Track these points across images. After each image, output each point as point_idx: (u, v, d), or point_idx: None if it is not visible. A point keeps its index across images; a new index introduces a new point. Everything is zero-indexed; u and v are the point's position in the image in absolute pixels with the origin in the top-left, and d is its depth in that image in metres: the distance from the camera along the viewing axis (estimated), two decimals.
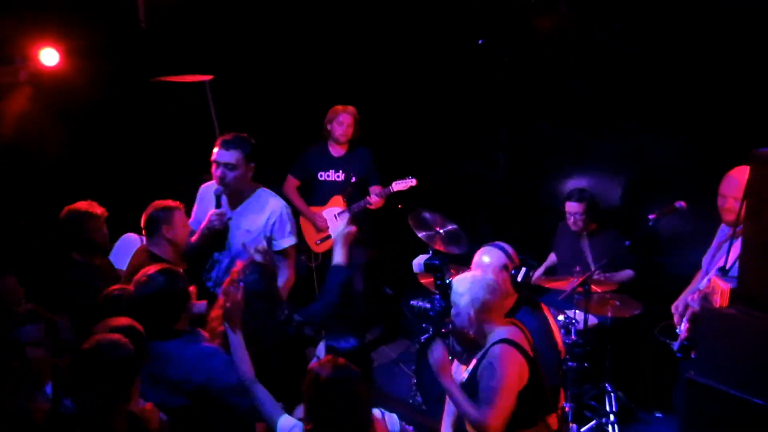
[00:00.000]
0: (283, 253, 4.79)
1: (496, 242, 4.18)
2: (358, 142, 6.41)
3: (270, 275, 3.90)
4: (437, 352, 3.63)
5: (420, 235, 6.06)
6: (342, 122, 6.26)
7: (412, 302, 4.04)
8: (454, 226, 6.02)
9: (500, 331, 3.63)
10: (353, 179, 6.35)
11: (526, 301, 4.12)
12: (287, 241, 4.78)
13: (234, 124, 5.98)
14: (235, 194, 4.75)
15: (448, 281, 3.74)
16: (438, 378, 3.64)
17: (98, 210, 4.84)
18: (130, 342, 3.24)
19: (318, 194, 6.46)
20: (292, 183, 6.49)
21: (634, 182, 6.27)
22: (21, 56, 5.49)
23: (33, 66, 5.58)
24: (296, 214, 6.29)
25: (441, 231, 6.01)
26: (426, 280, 5.69)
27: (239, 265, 3.86)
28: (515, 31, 6.39)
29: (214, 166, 4.67)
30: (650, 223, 5.00)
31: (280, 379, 3.69)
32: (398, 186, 6.13)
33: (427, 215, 6.09)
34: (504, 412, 3.52)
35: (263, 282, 3.80)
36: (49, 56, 5.55)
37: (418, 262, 3.90)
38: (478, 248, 4.22)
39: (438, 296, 3.74)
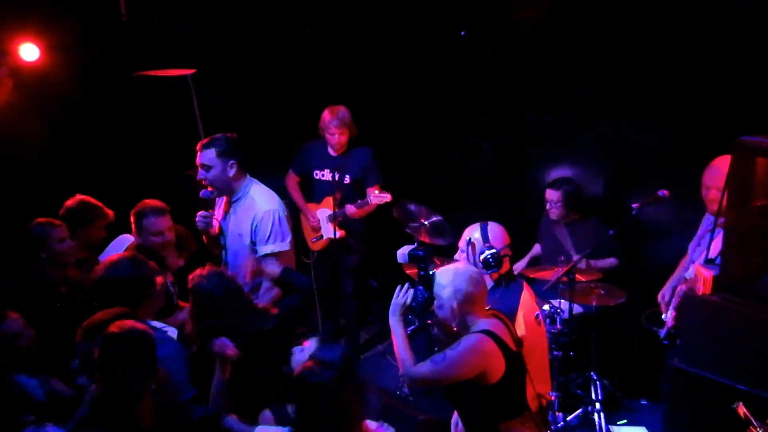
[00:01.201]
0: (265, 259, 4.65)
1: (489, 221, 4.28)
2: (358, 139, 6.31)
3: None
4: (405, 296, 3.71)
5: (405, 227, 6.06)
6: (333, 133, 6.13)
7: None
8: (439, 218, 5.98)
9: (482, 322, 3.65)
10: (346, 180, 6.26)
11: (504, 279, 4.21)
12: (267, 248, 4.64)
13: (218, 118, 6.07)
14: (225, 193, 4.75)
15: (431, 273, 3.76)
16: (390, 317, 3.73)
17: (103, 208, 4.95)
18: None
19: (314, 192, 6.43)
20: (292, 178, 6.45)
21: (617, 171, 6.29)
22: (1, 52, 5.47)
23: (13, 61, 5.54)
24: (296, 210, 6.38)
25: (426, 222, 5.97)
26: (411, 271, 5.69)
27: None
28: (497, 21, 6.39)
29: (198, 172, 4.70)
30: (633, 212, 5.03)
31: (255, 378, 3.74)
32: (376, 200, 6.02)
33: (412, 207, 6.04)
34: (434, 380, 3.61)
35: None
36: (29, 51, 5.51)
37: (403, 252, 3.94)
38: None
39: (421, 287, 3.75)
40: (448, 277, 3.66)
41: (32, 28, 5.53)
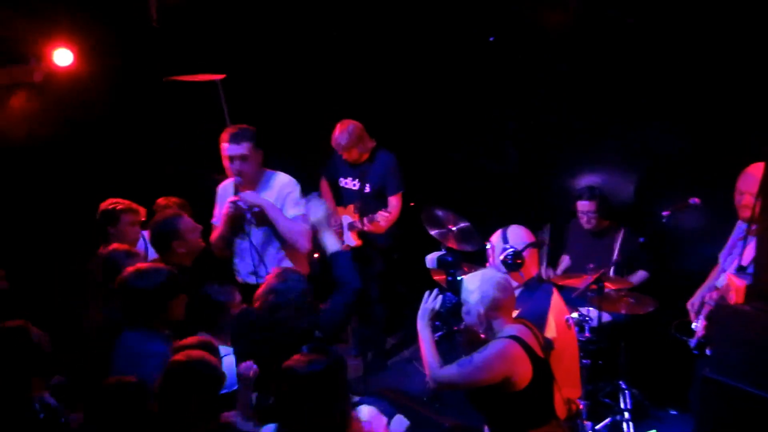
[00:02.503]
0: (296, 220, 4.88)
1: (515, 225, 4.30)
2: (384, 144, 6.31)
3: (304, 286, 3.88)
4: (434, 302, 3.74)
5: (432, 232, 6.03)
6: (340, 153, 6.18)
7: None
8: (467, 224, 5.99)
9: (509, 328, 3.66)
10: (367, 189, 6.26)
11: (533, 282, 4.20)
12: (295, 210, 4.87)
13: (247, 122, 6.06)
14: (252, 183, 4.88)
15: (459, 278, 3.77)
16: (418, 322, 3.75)
17: (136, 209, 5.00)
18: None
19: (342, 199, 6.47)
20: (324, 183, 6.53)
21: (646, 178, 6.25)
22: (35, 56, 5.56)
23: (47, 66, 5.64)
24: None
25: (453, 228, 5.97)
26: (439, 277, 5.68)
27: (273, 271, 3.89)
28: (526, 27, 6.38)
29: (227, 161, 4.77)
30: (664, 220, 5.00)
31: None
32: (380, 218, 6.03)
33: (439, 212, 6.05)
34: (459, 383, 3.62)
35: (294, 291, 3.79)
36: (62, 56, 5.59)
37: (431, 258, 3.94)
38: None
39: (449, 293, 3.76)
40: (475, 283, 3.67)
41: (65, 33, 5.62)
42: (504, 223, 4.48)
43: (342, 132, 6.09)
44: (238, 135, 4.71)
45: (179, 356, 3.28)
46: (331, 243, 4.14)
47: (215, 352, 3.56)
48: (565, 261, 6.30)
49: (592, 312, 5.31)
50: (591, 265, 5.39)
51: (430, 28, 6.79)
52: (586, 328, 5.29)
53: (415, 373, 6.38)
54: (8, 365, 3.57)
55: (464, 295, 3.69)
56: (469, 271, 4.03)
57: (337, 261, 4.07)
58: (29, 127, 5.76)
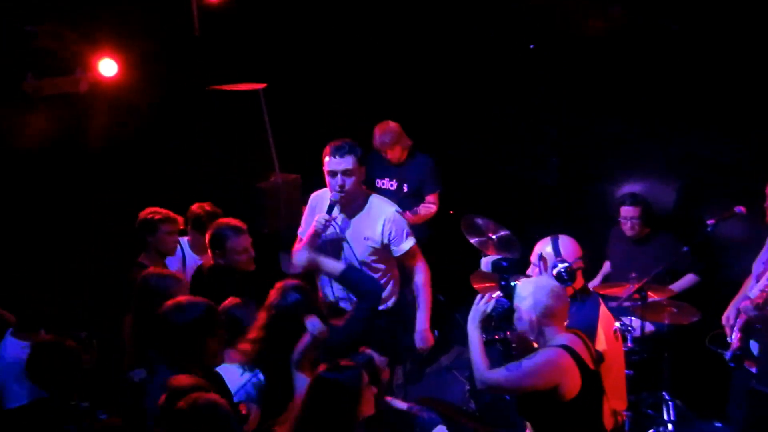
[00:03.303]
0: (407, 255, 4.79)
1: (562, 235, 4.22)
2: (422, 147, 6.38)
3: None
4: (486, 305, 3.71)
5: (472, 241, 6.07)
6: (383, 151, 6.26)
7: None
8: (507, 232, 6.02)
9: (561, 337, 3.63)
10: (405, 189, 6.31)
11: (580, 294, 4.14)
12: (407, 244, 4.76)
13: (288, 132, 6.21)
14: (350, 201, 4.70)
15: (513, 284, 3.76)
16: (469, 324, 3.72)
17: (175, 221, 5.06)
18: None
19: None
20: None
21: (689, 185, 6.21)
22: (81, 67, 5.63)
23: (92, 76, 5.70)
24: None
25: (493, 237, 6.02)
26: (479, 286, 5.66)
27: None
28: (567, 33, 6.36)
29: (328, 177, 4.60)
30: (709, 229, 4.94)
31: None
32: (423, 210, 6.07)
33: (479, 221, 6.10)
34: (506, 387, 3.64)
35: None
36: (107, 66, 5.67)
37: (487, 261, 3.94)
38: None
39: (502, 298, 3.76)
40: (528, 290, 3.66)
41: (110, 44, 5.69)
42: (543, 231, 4.45)
43: (385, 131, 6.22)
44: (342, 148, 4.54)
45: (182, 404, 3.04)
46: (332, 266, 4.17)
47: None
48: (605, 267, 6.24)
49: (635, 322, 5.28)
50: (633, 274, 5.32)
51: (471, 36, 6.81)
52: (629, 338, 5.26)
53: (454, 381, 6.37)
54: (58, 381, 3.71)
55: (517, 301, 3.68)
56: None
57: (350, 275, 4.10)
58: (75, 137, 5.89)
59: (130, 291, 4.34)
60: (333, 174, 4.56)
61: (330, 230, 4.70)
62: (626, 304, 5.11)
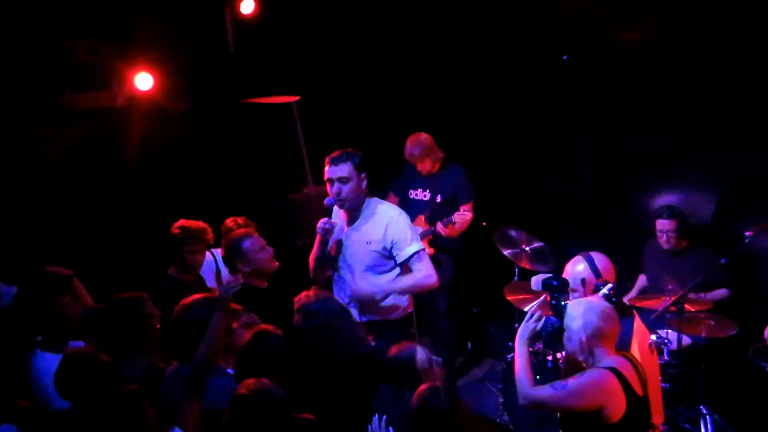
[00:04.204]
0: (412, 260, 4.73)
1: (591, 253, 4.16)
2: (454, 157, 6.38)
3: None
4: (537, 324, 3.70)
5: (506, 252, 6.07)
6: (414, 163, 6.25)
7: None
8: (540, 244, 6.02)
9: (610, 359, 3.61)
10: (438, 199, 6.30)
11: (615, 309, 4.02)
12: (411, 248, 4.71)
13: (321, 144, 6.12)
14: (352, 208, 4.76)
15: (563, 303, 3.75)
16: (517, 339, 3.71)
17: (205, 235, 5.08)
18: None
19: (410, 211, 6.26)
20: (391, 198, 6.51)
21: (726, 197, 6.14)
22: (118, 81, 5.70)
23: (129, 90, 5.70)
24: None
25: (527, 248, 6.03)
26: (513, 298, 5.64)
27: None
28: (601, 44, 6.31)
29: (328, 185, 4.71)
30: (746, 240, 4.87)
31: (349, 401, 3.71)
32: (458, 218, 5.96)
33: (512, 232, 6.10)
34: (550, 405, 3.59)
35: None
36: (143, 80, 5.74)
37: (537, 279, 3.91)
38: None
39: (552, 317, 3.74)
40: (579, 310, 3.65)
41: (146, 59, 5.75)
42: (577, 243, 4.49)
43: (415, 143, 6.21)
44: (339, 156, 4.66)
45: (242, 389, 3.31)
46: None
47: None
48: (640, 281, 6.18)
49: (672, 334, 5.24)
50: (670, 286, 5.29)
51: (503, 47, 6.81)
52: (665, 351, 5.21)
53: (487, 393, 6.34)
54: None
55: (567, 321, 3.66)
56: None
57: None
58: (111, 150, 5.95)
59: (159, 301, 4.37)
60: (330, 182, 4.67)
61: (335, 235, 4.78)
62: (668, 315, 5.08)
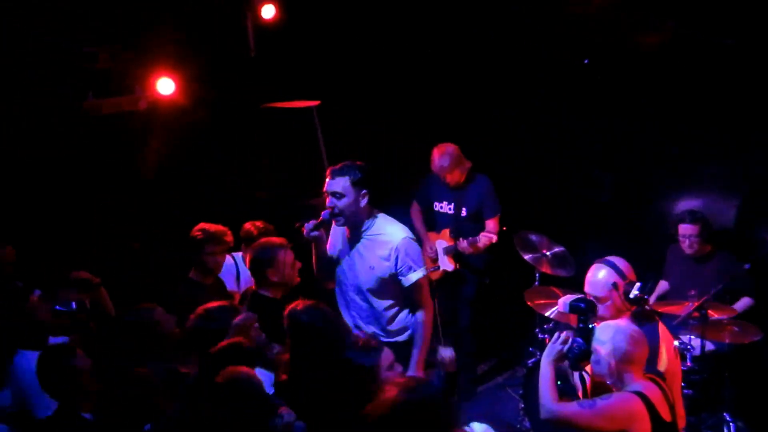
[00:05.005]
0: (413, 287, 4.54)
1: (608, 258, 4.08)
2: (478, 168, 6.26)
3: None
4: (564, 346, 3.68)
5: (526, 257, 6.03)
6: (441, 176, 6.13)
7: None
8: (561, 248, 5.97)
9: (638, 384, 3.60)
10: (463, 213, 6.22)
11: (637, 315, 4.01)
12: (414, 275, 4.50)
13: (342, 150, 6.11)
14: (349, 225, 4.54)
15: (591, 326, 3.72)
16: (543, 359, 3.70)
17: (225, 237, 5.05)
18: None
19: (435, 223, 6.42)
20: (415, 208, 6.47)
21: (749, 201, 6.10)
22: (140, 86, 5.75)
23: (151, 95, 5.80)
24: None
25: (548, 253, 5.97)
26: (533, 303, 5.60)
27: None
28: (621, 49, 6.29)
29: (327, 199, 4.51)
30: None
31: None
32: (483, 240, 5.87)
33: (533, 237, 6.05)
34: (574, 422, 3.54)
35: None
36: (165, 85, 5.77)
37: (564, 301, 3.88)
38: (586, 271, 4.14)
39: (579, 339, 3.69)
40: (608, 334, 3.62)
41: (168, 64, 5.80)
42: (597, 249, 4.38)
43: (443, 155, 6.08)
44: (337, 170, 4.43)
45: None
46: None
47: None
48: (662, 286, 6.13)
49: (695, 341, 5.18)
50: (692, 292, 5.24)
51: (524, 52, 6.78)
52: (688, 357, 5.16)
53: (508, 399, 6.30)
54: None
55: (596, 345, 3.65)
56: (562, 296, 3.95)
57: None
58: (134, 154, 6.02)
59: (179, 306, 4.40)
60: (327, 195, 4.49)
61: (334, 242, 4.66)
62: (691, 321, 5.04)
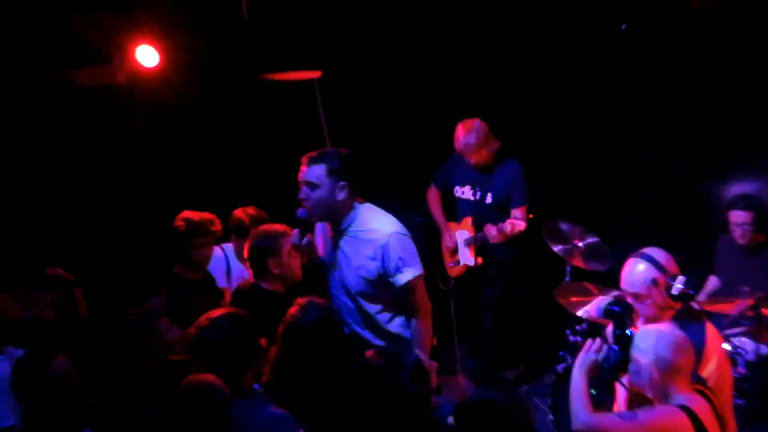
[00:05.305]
0: (404, 288, 4.40)
1: (645, 250, 3.99)
2: (507, 150, 6.15)
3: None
4: (598, 355, 3.67)
5: (555, 249, 5.94)
6: (466, 154, 6.00)
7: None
8: (596, 239, 5.88)
9: (683, 397, 3.54)
10: (488, 200, 6.13)
11: (682, 315, 3.95)
12: (404, 276, 4.35)
13: (346, 126, 6.17)
14: (333, 222, 4.46)
15: (629, 332, 3.67)
16: (576, 369, 3.69)
17: (212, 227, 5.00)
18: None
19: (456, 211, 6.34)
20: (433, 193, 6.40)
21: None
22: (119, 56, 5.71)
23: (131, 66, 5.76)
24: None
25: (580, 244, 5.88)
26: (565, 301, 5.50)
27: None
28: (673, 17, 6.26)
29: (301, 189, 4.41)
30: None
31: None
32: (510, 228, 5.80)
33: (564, 226, 5.96)
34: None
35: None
36: (147, 55, 5.70)
37: (596, 306, 3.93)
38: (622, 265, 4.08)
39: (616, 347, 3.66)
40: (649, 342, 3.58)
41: (150, 31, 5.77)
42: (636, 239, 4.31)
43: (469, 132, 5.96)
44: (313, 156, 4.32)
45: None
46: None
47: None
48: (711, 282, 6.07)
49: (748, 344, 5.12)
50: (746, 288, 5.13)
51: (554, 26, 6.70)
52: (740, 362, 5.09)
53: (536, 410, 6.19)
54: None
55: (636, 353, 3.60)
56: (598, 294, 4.02)
57: None
58: (111, 132, 5.97)
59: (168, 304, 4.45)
60: (302, 184, 4.38)
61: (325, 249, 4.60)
62: (743, 321, 5.05)
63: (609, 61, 6.63)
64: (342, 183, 4.30)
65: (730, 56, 6.09)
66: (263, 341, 3.84)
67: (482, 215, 6.10)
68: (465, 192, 6.24)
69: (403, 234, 4.42)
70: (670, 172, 6.74)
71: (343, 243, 4.45)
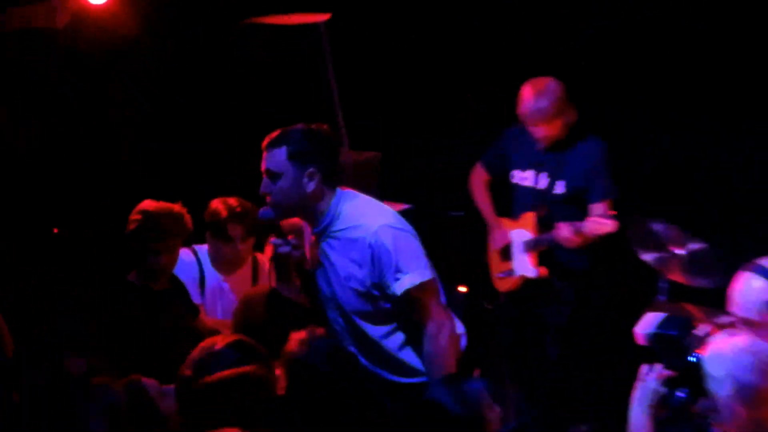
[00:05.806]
0: (407, 300, 4.16)
1: (759, 262, 3.85)
2: (581, 128, 5.74)
3: None
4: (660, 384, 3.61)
5: (646, 258, 5.51)
6: (532, 123, 5.59)
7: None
8: (703, 246, 5.41)
9: None
10: (559, 189, 5.71)
11: None
12: (402, 283, 4.10)
13: (361, 86, 6.28)
14: (307, 220, 4.29)
15: (694, 359, 3.71)
16: (634, 406, 3.61)
17: (180, 223, 4.79)
18: None
19: (513, 202, 5.97)
20: (480, 175, 6.00)
21: None
22: None
23: (74, 4, 5.75)
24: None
25: (681, 252, 5.41)
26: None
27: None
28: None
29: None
30: None
31: None
32: (593, 227, 5.48)
33: (658, 227, 5.50)
34: None
35: None
36: None
37: (644, 329, 3.98)
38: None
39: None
40: (723, 367, 3.37)
41: None
42: (752, 248, 4.15)
43: (540, 94, 5.52)
44: (272, 138, 4.14)
45: None
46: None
47: None
48: None
49: None
50: None
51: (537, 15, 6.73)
52: None
53: None
54: None
55: (711, 385, 3.40)
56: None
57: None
58: (49, 89, 5.98)
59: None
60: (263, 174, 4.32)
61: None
62: None
63: (593, 47, 6.64)
64: (310, 169, 4.09)
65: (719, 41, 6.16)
66: (278, 372, 3.72)
67: (550, 210, 5.68)
68: (527, 178, 5.79)
69: (398, 228, 4.16)
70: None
71: (326, 247, 4.27)
